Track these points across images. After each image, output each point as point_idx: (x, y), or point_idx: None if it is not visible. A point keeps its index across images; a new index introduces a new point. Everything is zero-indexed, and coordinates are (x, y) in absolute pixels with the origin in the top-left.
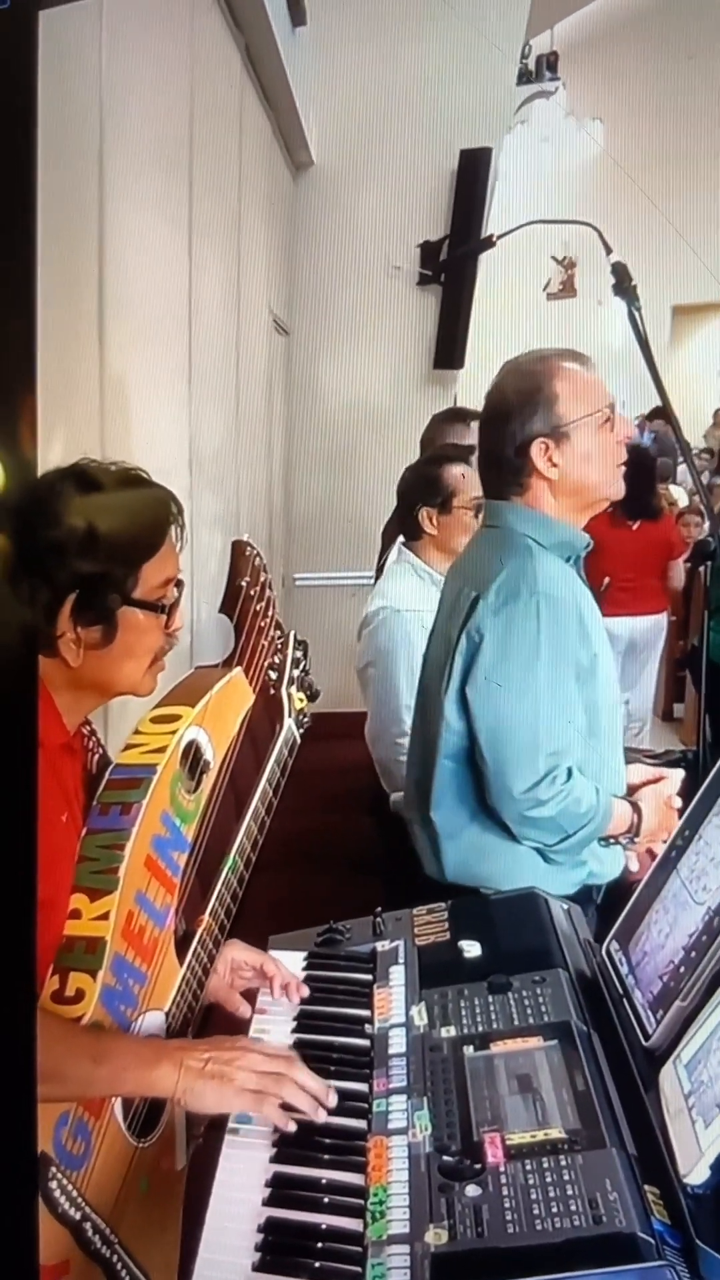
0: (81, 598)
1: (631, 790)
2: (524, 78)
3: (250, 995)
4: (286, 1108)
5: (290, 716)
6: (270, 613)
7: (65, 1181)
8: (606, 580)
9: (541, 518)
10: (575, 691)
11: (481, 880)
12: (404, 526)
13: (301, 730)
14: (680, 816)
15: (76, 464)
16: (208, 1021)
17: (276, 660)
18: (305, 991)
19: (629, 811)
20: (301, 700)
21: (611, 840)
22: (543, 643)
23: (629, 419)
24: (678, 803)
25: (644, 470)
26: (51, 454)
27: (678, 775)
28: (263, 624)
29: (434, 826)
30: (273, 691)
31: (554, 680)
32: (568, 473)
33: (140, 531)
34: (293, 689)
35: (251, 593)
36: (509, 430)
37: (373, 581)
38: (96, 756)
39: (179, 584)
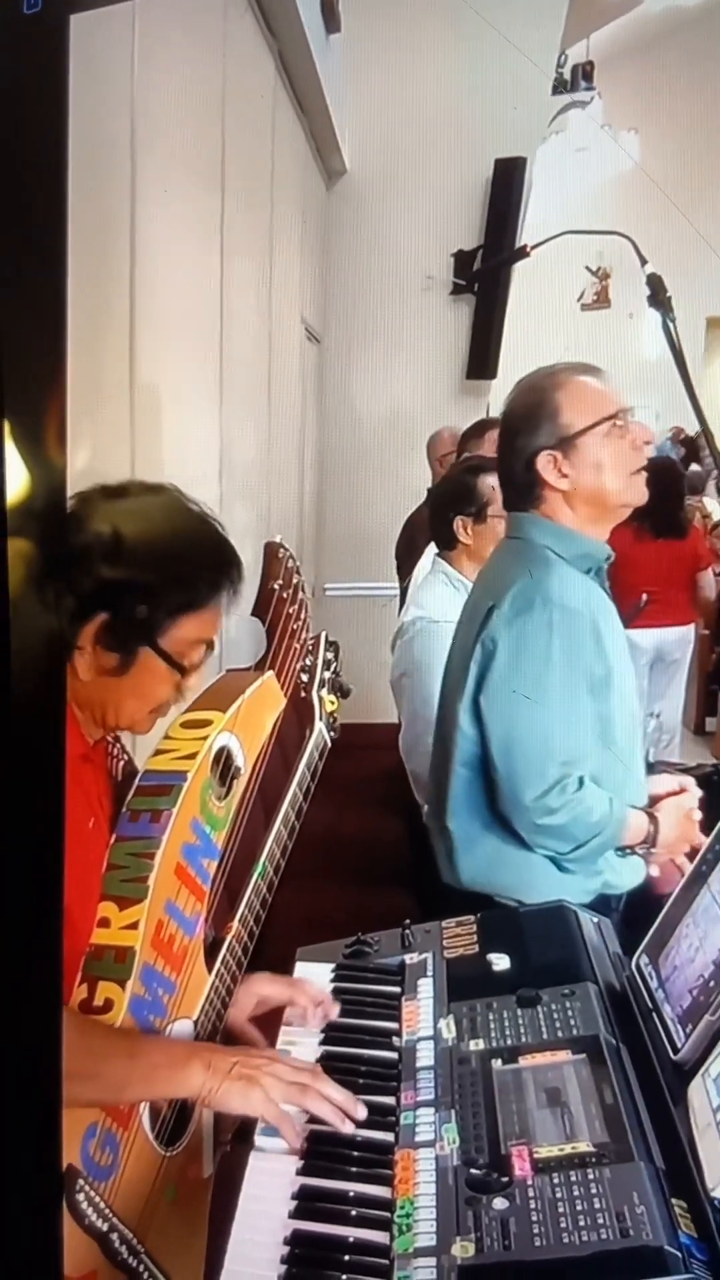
0: (110, 623)
1: (654, 801)
2: (559, 87)
3: (265, 1021)
4: (313, 1120)
5: (321, 720)
6: (303, 615)
7: (92, 1193)
8: (645, 597)
9: (561, 529)
10: (588, 702)
11: (497, 888)
12: (437, 536)
13: (333, 734)
14: (701, 829)
15: (168, 487)
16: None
17: (308, 663)
18: (336, 1009)
19: (645, 822)
20: (333, 703)
21: (628, 850)
22: (555, 653)
23: (644, 424)
24: (698, 815)
25: (670, 487)
26: (82, 463)
27: (696, 793)
28: (295, 626)
29: (450, 834)
30: (304, 694)
31: (566, 691)
32: (580, 482)
33: (191, 584)
34: (324, 691)
35: (284, 595)
36: (516, 445)
37: (398, 594)
38: (122, 763)
39: (209, 646)
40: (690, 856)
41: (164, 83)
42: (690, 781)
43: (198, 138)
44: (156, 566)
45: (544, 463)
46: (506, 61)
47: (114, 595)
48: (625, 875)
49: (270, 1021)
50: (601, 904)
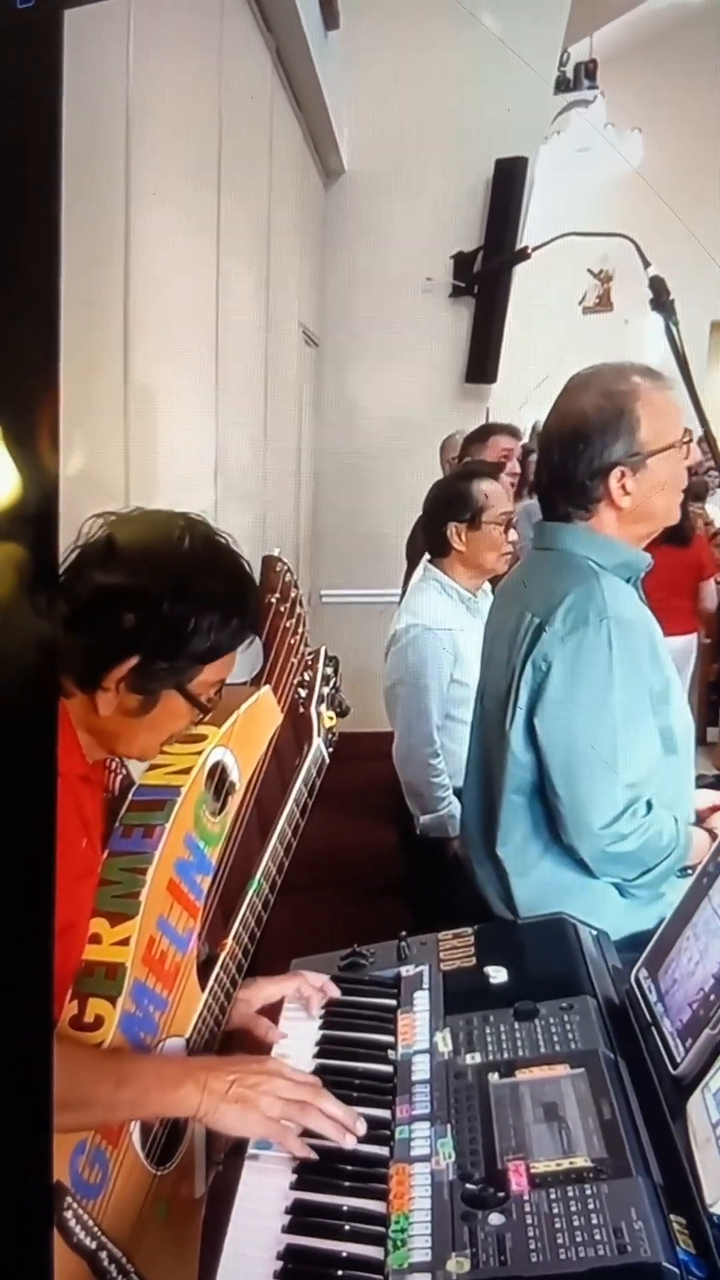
0: (140, 669)
1: (700, 817)
2: (561, 86)
3: (268, 1013)
4: (310, 1134)
5: (319, 736)
6: (300, 630)
7: (81, 1211)
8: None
9: (601, 539)
10: (650, 718)
11: None
12: (431, 543)
13: (330, 749)
14: None
15: (203, 523)
16: (227, 1049)
17: (306, 677)
18: (336, 991)
19: (707, 840)
20: (331, 719)
21: (690, 870)
22: (616, 669)
23: (694, 445)
24: None
25: None
26: (75, 466)
27: None
28: (292, 641)
29: (501, 863)
30: (301, 710)
31: (629, 708)
32: (639, 502)
33: (222, 632)
34: (322, 707)
35: (281, 609)
36: (587, 453)
37: (398, 598)
38: (119, 778)
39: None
40: None
41: (159, 80)
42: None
43: (193, 136)
44: (189, 612)
45: (614, 477)
46: (508, 60)
47: (142, 638)
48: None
49: (275, 1013)
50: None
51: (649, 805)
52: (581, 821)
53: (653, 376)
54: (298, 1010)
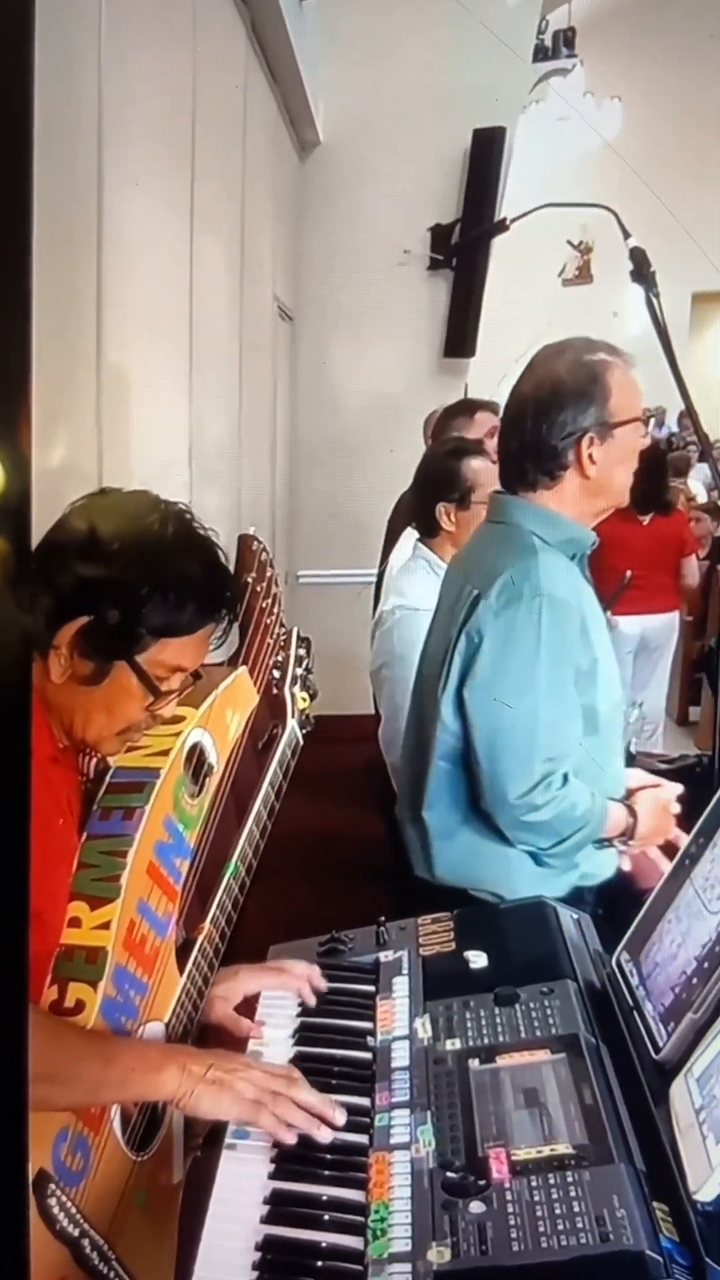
0: (90, 627)
1: (629, 794)
2: (540, 54)
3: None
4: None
5: (293, 717)
6: (276, 610)
7: (64, 1198)
8: (629, 573)
9: (550, 514)
10: (574, 696)
11: (473, 882)
12: (419, 521)
13: (305, 731)
14: (679, 824)
15: (184, 511)
16: (204, 1044)
17: (280, 659)
18: (322, 985)
19: (624, 814)
20: (304, 700)
21: (605, 843)
22: (543, 647)
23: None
24: (676, 808)
25: (656, 463)
26: (50, 450)
27: (675, 787)
28: (268, 621)
29: (426, 826)
30: (276, 691)
31: (553, 685)
32: (601, 471)
33: (179, 606)
34: (295, 688)
35: (258, 589)
36: (561, 418)
37: (376, 578)
38: (94, 761)
39: (195, 676)
40: (669, 852)
41: (132, 52)
42: (670, 785)
43: (166, 110)
44: (146, 578)
45: (585, 442)
46: (486, 29)
47: (97, 598)
48: (602, 867)
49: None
50: (576, 897)
51: (565, 778)
52: (498, 790)
53: (618, 353)
54: (275, 997)
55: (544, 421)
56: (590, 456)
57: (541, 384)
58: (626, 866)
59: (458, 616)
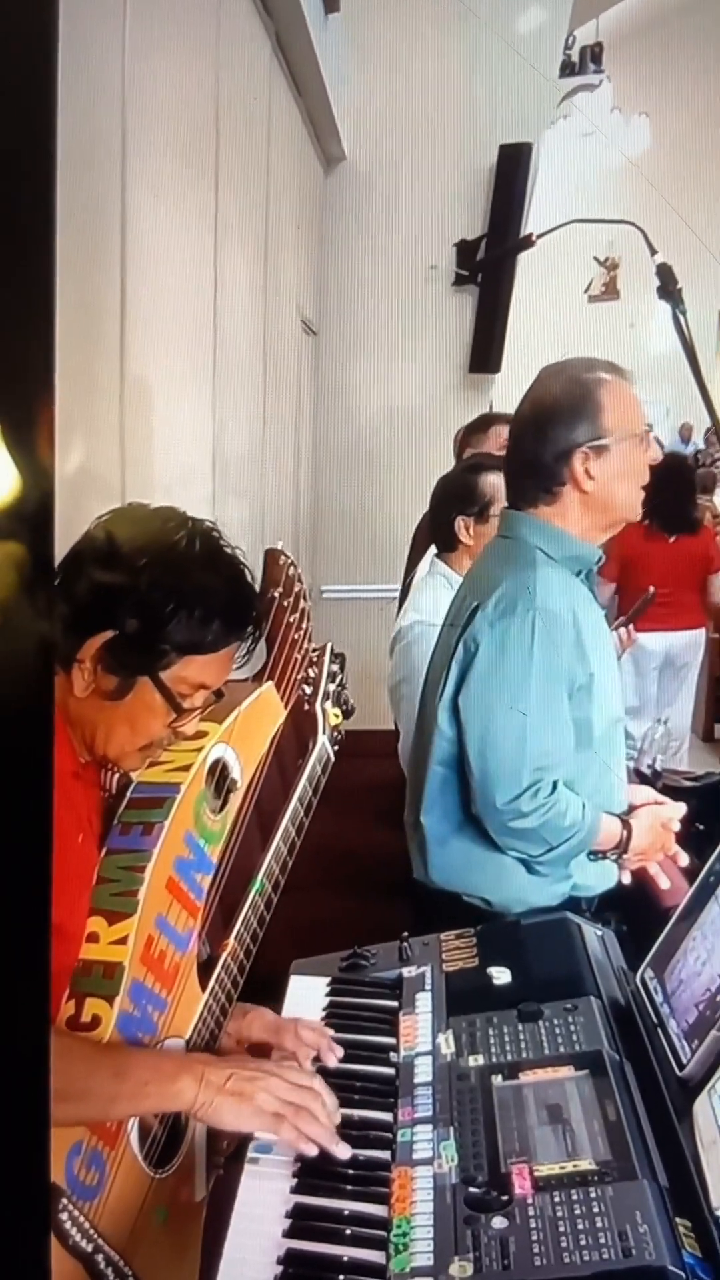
0: (114, 642)
1: (633, 809)
2: (567, 70)
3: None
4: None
5: (324, 733)
6: (305, 625)
7: (77, 1212)
8: (651, 590)
9: (554, 530)
10: (566, 708)
11: (467, 887)
12: (438, 537)
13: (335, 748)
14: (678, 840)
15: (211, 528)
16: None
17: (311, 674)
18: (340, 1052)
19: (618, 828)
20: (337, 716)
21: (599, 855)
22: (535, 658)
23: (656, 441)
24: (676, 826)
25: (682, 482)
26: (73, 461)
27: (679, 807)
28: (295, 636)
29: (424, 831)
30: (306, 707)
31: (544, 695)
32: (601, 487)
33: (204, 624)
34: (327, 704)
35: (285, 604)
36: (553, 434)
37: (398, 593)
38: (115, 776)
39: (218, 694)
40: (690, 875)
41: (156, 64)
42: (675, 805)
43: (190, 122)
44: (171, 593)
45: (579, 458)
46: (511, 46)
47: (121, 612)
48: (595, 879)
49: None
50: (571, 906)
51: (554, 786)
52: (487, 795)
53: (617, 371)
54: (298, 1004)
55: (538, 439)
56: (587, 472)
57: (537, 403)
58: (627, 880)
59: (458, 627)
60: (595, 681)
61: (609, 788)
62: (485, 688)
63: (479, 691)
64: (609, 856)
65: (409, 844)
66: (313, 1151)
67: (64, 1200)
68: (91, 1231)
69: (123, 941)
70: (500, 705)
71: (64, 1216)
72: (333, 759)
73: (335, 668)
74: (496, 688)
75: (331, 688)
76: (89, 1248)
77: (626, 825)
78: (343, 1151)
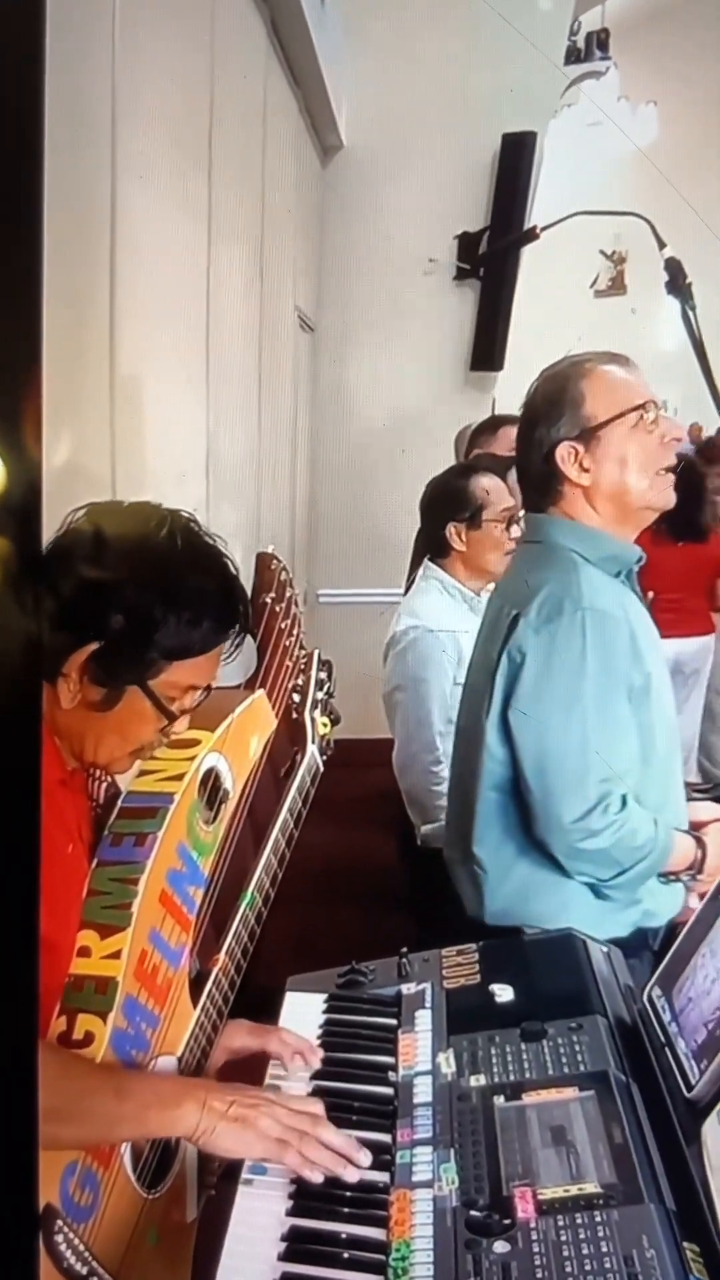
0: (100, 654)
1: (697, 827)
2: (572, 56)
3: (246, 1068)
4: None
5: (314, 742)
6: (295, 631)
7: (72, 1235)
8: (650, 595)
9: (585, 529)
10: (628, 713)
11: (529, 920)
12: (430, 543)
13: (325, 757)
14: None
15: (190, 520)
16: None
17: (299, 682)
18: (317, 1059)
19: (692, 846)
20: (325, 725)
21: (672, 877)
22: (589, 660)
23: (674, 420)
24: None
25: (690, 486)
26: (59, 453)
27: None
28: (287, 643)
29: (478, 863)
30: (295, 715)
31: (603, 700)
32: (601, 478)
33: (192, 627)
34: (316, 712)
35: (276, 609)
36: (535, 436)
37: (400, 598)
38: (103, 785)
39: (207, 690)
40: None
41: (147, 51)
42: None
43: (183, 111)
44: (158, 601)
45: (564, 455)
46: (515, 29)
47: (106, 624)
48: (666, 904)
49: (254, 1068)
50: (639, 938)
51: (624, 801)
52: (551, 815)
53: (609, 358)
54: (294, 1021)
55: (526, 443)
56: (580, 466)
57: (527, 405)
58: (695, 904)
59: (497, 639)
60: (652, 683)
61: (675, 801)
62: (537, 697)
63: (530, 702)
64: (681, 878)
65: (455, 880)
66: (318, 1179)
67: (59, 1222)
68: (86, 1254)
69: (116, 956)
70: (556, 714)
71: (59, 1238)
72: (322, 769)
73: (323, 675)
74: (549, 696)
75: (319, 696)
76: (83, 1270)
77: (701, 844)
78: (350, 1175)
